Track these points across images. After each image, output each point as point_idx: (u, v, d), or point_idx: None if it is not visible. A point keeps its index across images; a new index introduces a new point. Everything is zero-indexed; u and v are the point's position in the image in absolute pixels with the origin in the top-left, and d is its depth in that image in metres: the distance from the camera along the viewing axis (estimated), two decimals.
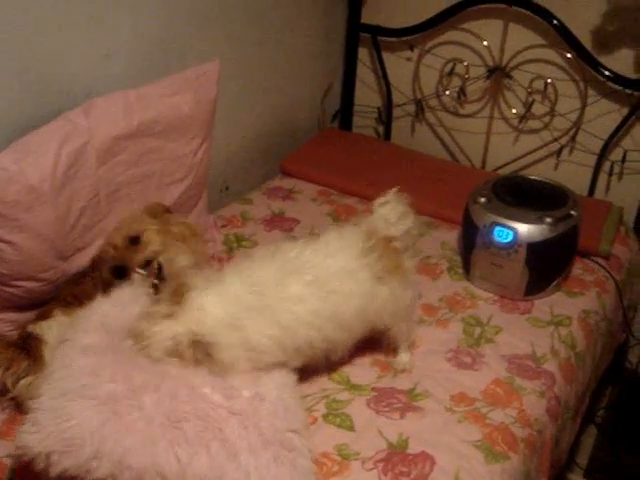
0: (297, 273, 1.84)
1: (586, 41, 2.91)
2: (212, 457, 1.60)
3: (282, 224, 2.77)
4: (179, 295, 1.73)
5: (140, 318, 1.76)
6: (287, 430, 1.71)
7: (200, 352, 1.70)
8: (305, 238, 1.97)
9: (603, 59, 2.91)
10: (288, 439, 1.69)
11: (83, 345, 1.74)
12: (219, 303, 1.76)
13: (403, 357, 2.10)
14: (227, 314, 1.75)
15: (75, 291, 2.05)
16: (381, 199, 2.01)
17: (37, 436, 1.55)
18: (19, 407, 1.87)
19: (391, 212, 1.98)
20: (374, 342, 2.11)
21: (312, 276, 1.84)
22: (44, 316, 1.98)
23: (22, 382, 1.83)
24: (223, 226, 2.74)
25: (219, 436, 1.63)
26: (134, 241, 2.07)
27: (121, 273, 2.01)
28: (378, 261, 1.91)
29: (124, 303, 1.89)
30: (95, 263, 2.11)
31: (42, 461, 1.54)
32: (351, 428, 1.89)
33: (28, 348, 1.89)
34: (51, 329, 1.93)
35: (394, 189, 2.01)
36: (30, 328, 1.95)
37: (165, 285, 1.76)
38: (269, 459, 1.63)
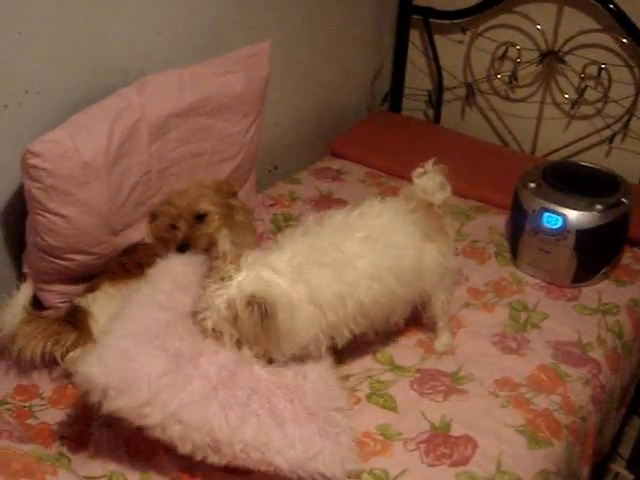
0: (349, 232, 1.86)
1: None
2: (260, 424, 1.63)
3: (330, 205, 2.77)
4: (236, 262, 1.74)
5: (201, 288, 1.78)
6: (331, 408, 1.74)
7: (259, 313, 1.67)
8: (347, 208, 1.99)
9: None
10: (332, 417, 1.72)
11: (158, 301, 1.79)
12: (280, 261, 1.78)
13: (443, 339, 2.11)
14: (291, 270, 1.76)
15: (124, 261, 2.08)
16: (419, 170, 2.01)
17: (100, 369, 1.57)
18: (69, 377, 1.91)
19: (429, 182, 2.00)
20: (418, 322, 2.12)
21: (364, 233, 1.86)
22: (92, 289, 2.02)
23: (70, 354, 1.87)
24: (271, 205, 2.76)
25: (267, 405, 1.67)
26: (200, 218, 2.10)
27: (184, 249, 2.04)
28: (422, 219, 1.94)
29: (193, 262, 1.95)
30: (152, 217, 2.16)
31: (98, 394, 1.56)
32: (394, 409, 1.90)
33: (75, 321, 1.92)
34: (96, 302, 1.96)
35: (431, 160, 2.01)
36: (77, 301, 1.99)
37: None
38: (314, 431, 1.66)
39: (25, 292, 1.90)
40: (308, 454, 1.63)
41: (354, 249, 1.83)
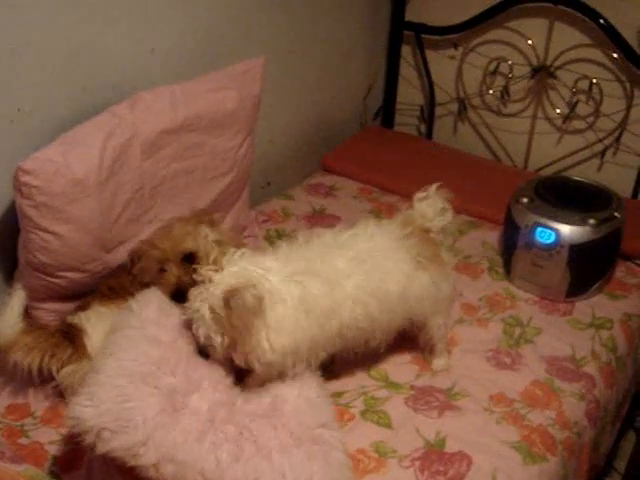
0: (339, 250, 1.85)
1: (633, 41, 2.87)
2: (247, 459, 1.61)
3: (323, 221, 2.78)
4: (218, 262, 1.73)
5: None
6: (316, 426, 1.72)
7: (241, 302, 1.63)
8: (340, 227, 1.98)
9: None
10: (318, 434, 1.71)
11: (150, 335, 1.77)
12: (271, 261, 1.77)
13: (440, 360, 2.10)
14: (283, 270, 1.75)
15: (112, 284, 2.06)
16: (421, 194, 2.00)
17: (92, 410, 1.56)
18: (62, 395, 1.91)
19: (430, 207, 1.98)
20: (413, 340, 2.11)
21: (353, 252, 1.85)
22: (82, 308, 2.01)
23: (65, 369, 1.86)
24: (264, 221, 2.76)
25: (251, 438, 1.65)
26: (188, 258, 1.98)
27: (180, 297, 1.91)
28: (416, 246, 1.92)
29: None
30: (133, 259, 2.07)
31: (92, 436, 1.55)
32: (389, 425, 1.89)
33: (70, 337, 1.92)
34: (90, 320, 1.95)
35: (435, 185, 2.00)
36: (69, 319, 1.98)
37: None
38: (302, 456, 1.64)
39: (19, 299, 1.89)
40: None
41: (342, 267, 1.82)
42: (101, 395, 1.60)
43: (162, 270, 2.00)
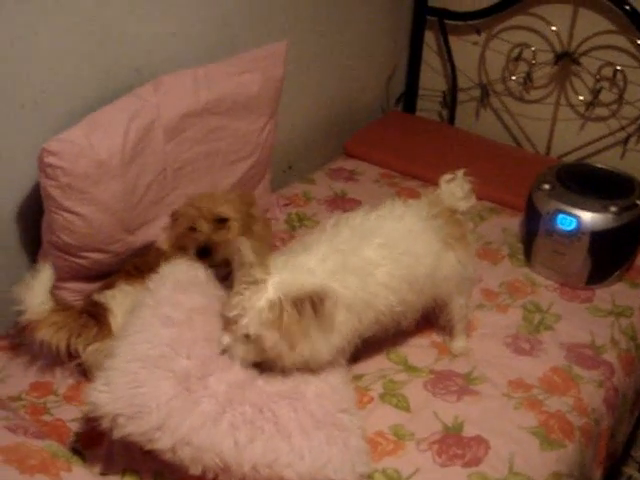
0: (367, 238, 1.84)
1: None
2: (267, 440, 1.62)
3: (344, 205, 2.78)
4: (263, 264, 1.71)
5: (233, 293, 1.72)
6: (337, 411, 1.73)
7: (306, 309, 1.64)
8: (363, 209, 1.97)
9: None
10: (339, 419, 1.71)
11: (163, 315, 1.77)
12: (312, 263, 1.76)
13: (459, 342, 2.11)
14: (323, 271, 1.75)
15: (137, 262, 2.09)
16: (448, 175, 2.02)
17: (108, 396, 1.58)
18: (85, 373, 1.93)
19: (458, 188, 1.99)
20: (432, 323, 2.13)
21: (382, 239, 1.84)
22: (108, 286, 2.03)
23: (90, 348, 1.88)
24: (285, 205, 2.77)
25: (272, 419, 1.66)
26: (221, 222, 2.08)
27: (205, 253, 2.04)
28: (444, 227, 1.93)
29: (194, 267, 1.95)
30: (174, 217, 2.15)
31: (108, 421, 1.57)
32: (407, 409, 1.90)
33: (96, 316, 1.94)
34: (115, 298, 1.97)
35: (462, 170, 2.01)
36: (95, 297, 2.00)
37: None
38: (321, 440, 1.65)
39: (48, 276, 1.88)
40: (317, 464, 1.62)
41: (372, 256, 1.81)
42: (116, 380, 1.61)
43: (192, 230, 2.07)
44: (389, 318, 1.88)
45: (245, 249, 1.69)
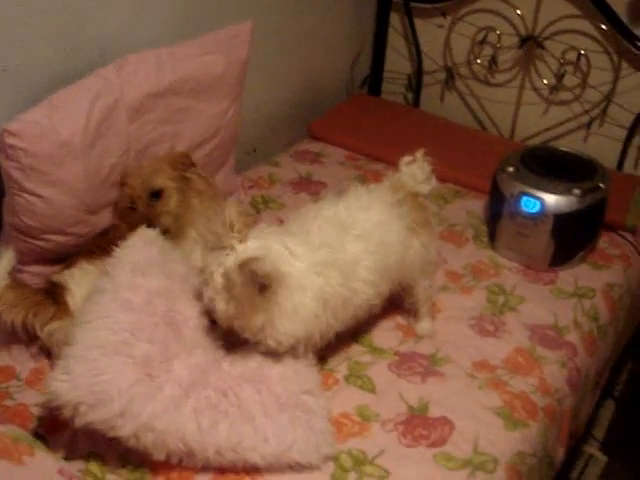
0: (345, 231, 1.83)
1: (621, 12, 2.87)
2: (231, 423, 1.62)
3: (309, 187, 2.78)
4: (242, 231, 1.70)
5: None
6: (301, 392, 1.73)
7: (252, 278, 1.61)
8: (331, 196, 1.97)
9: (638, 32, 2.86)
10: (303, 401, 1.72)
11: (123, 299, 1.74)
12: (298, 246, 1.76)
13: (424, 324, 2.12)
14: (312, 260, 1.74)
15: (99, 241, 2.06)
16: (407, 158, 2.01)
17: (67, 385, 1.56)
18: (48, 356, 1.91)
19: (418, 170, 1.99)
20: (397, 306, 2.13)
21: (357, 231, 1.84)
22: (68, 266, 2.01)
23: (47, 327, 1.86)
24: (250, 187, 2.76)
25: (235, 402, 1.66)
26: (156, 195, 2.06)
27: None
28: (408, 213, 1.93)
29: (149, 243, 1.92)
30: (115, 208, 2.12)
31: (69, 410, 1.56)
32: (372, 390, 1.91)
33: (54, 295, 1.92)
34: (73, 277, 1.95)
35: (421, 150, 2.01)
36: (54, 277, 1.98)
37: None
38: (285, 422, 1.66)
39: (8, 255, 1.87)
40: (282, 446, 1.63)
41: (353, 249, 1.81)
42: (75, 368, 1.59)
43: (132, 208, 2.06)
44: (364, 311, 1.88)
45: (230, 213, 1.68)
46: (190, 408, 1.61)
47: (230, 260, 1.63)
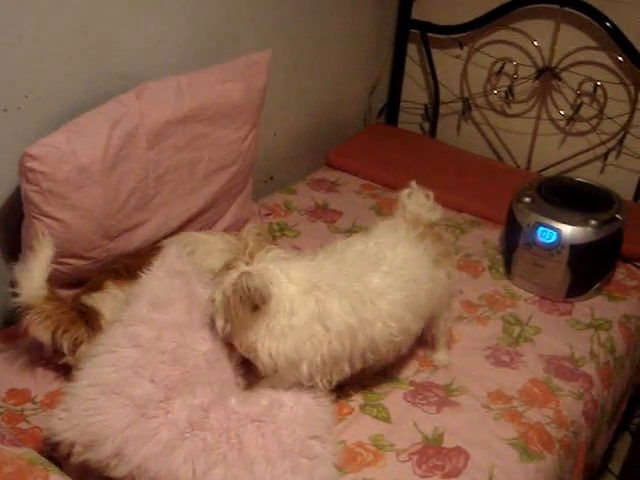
0: (373, 265, 1.83)
1: (638, 44, 2.87)
2: (228, 468, 1.59)
3: (325, 215, 2.79)
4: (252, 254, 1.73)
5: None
6: (308, 437, 1.69)
7: (243, 295, 1.63)
8: (358, 233, 1.98)
9: None
10: (308, 447, 1.67)
11: (132, 334, 1.72)
12: (298, 270, 1.76)
13: (441, 355, 2.11)
14: (306, 282, 1.74)
15: (128, 263, 2.05)
16: (407, 190, 2.01)
17: (65, 423, 1.56)
18: (64, 378, 1.91)
19: (423, 199, 1.99)
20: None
21: (387, 267, 1.83)
22: (95, 287, 1.99)
23: (81, 349, 1.85)
24: (267, 215, 2.77)
25: (236, 445, 1.63)
26: None
27: None
28: (432, 246, 1.92)
29: (170, 276, 1.87)
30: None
31: (65, 448, 1.57)
32: (387, 420, 1.90)
33: (86, 318, 1.90)
34: (106, 303, 1.94)
35: (412, 181, 2.01)
36: (84, 299, 1.96)
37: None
38: (286, 469, 1.62)
39: (47, 254, 1.83)
40: None
41: (377, 284, 1.80)
42: (74, 407, 1.59)
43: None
44: (389, 348, 1.85)
45: (248, 235, 1.73)
46: (185, 451, 1.58)
47: (230, 278, 1.66)
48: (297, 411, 1.73)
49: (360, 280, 1.79)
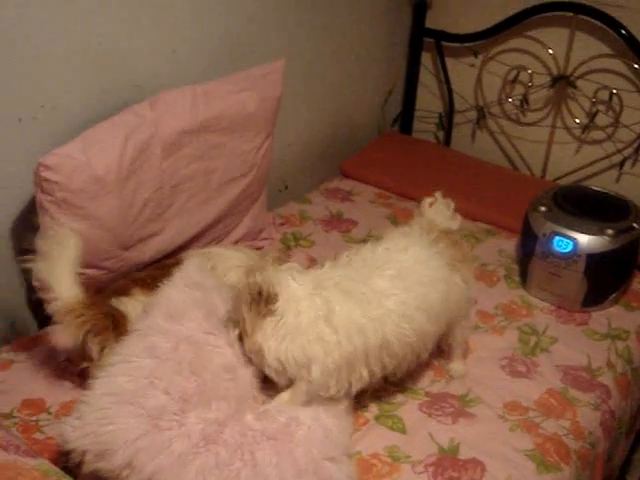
0: (379, 269, 1.83)
1: None
2: None
3: (340, 225, 2.78)
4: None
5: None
6: (323, 458, 1.65)
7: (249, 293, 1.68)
8: (370, 241, 1.96)
9: None
10: (323, 468, 1.64)
11: (149, 344, 1.71)
12: (309, 277, 1.78)
13: (457, 365, 2.10)
14: (314, 285, 1.76)
15: (156, 274, 2.03)
16: (429, 199, 2.02)
17: (77, 432, 1.56)
18: (79, 387, 1.88)
19: (444, 207, 2.00)
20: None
21: (394, 270, 1.83)
22: (122, 292, 1.99)
23: (105, 351, 1.82)
24: (281, 224, 2.76)
25: (250, 462, 1.60)
26: None
27: None
28: (446, 250, 1.92)
29: (189, 287, 1.86)
30: None
31: (77, 456, 1.56)
32: (403, 430, 1.89)
33: (115, 321, 1.88)
34: (135, 308, 1.93)
35: (438, 192, 2.03)
36: (115, 303, 1.95)
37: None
38: None
39: (73, 245, 1.80)
40: None
41: (383, 286, 1.80)
42: (87, 415, 1.58)
43: None
44: (405, 350, 1.83)
45: (270, 255, 1.79)
46: (197, 466, 1.56)
47: (241, 282, 1.71)
48: (314, 430, 1.70)
49: (365, 283, 1.79)
